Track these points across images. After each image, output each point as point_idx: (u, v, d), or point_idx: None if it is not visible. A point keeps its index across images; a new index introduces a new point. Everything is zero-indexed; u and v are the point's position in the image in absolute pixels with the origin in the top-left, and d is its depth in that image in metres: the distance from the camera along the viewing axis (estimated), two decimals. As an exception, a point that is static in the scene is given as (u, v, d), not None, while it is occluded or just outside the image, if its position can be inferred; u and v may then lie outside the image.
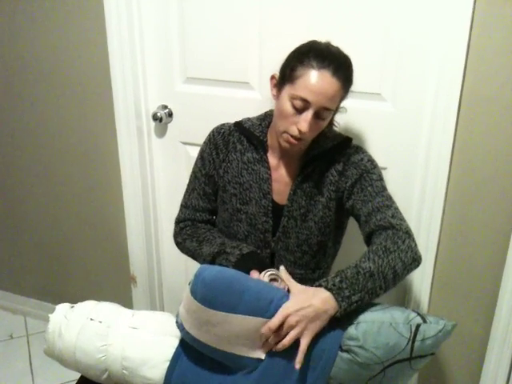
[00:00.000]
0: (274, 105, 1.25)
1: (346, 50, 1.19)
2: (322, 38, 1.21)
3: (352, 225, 1.34)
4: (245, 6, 1.50)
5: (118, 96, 1.71)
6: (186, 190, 1.40)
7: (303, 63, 1.12)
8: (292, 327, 1.01)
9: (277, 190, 1.30)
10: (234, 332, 1.04)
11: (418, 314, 1.05)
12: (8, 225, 2.20)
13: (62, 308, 1.21)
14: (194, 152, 1.65)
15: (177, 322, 1.13)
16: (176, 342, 1.14)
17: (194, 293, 1.05)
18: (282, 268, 1.17)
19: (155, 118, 1.70)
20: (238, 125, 1.32)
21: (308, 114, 1.13)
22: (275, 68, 1.23)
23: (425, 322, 1.03)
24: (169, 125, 1.76)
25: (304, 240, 1.30)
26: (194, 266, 1.28)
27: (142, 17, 1.64)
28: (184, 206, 1.40)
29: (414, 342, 1.01)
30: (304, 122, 1.13)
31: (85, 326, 1.15)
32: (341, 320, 1.06)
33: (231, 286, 1.04)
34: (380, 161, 1.32)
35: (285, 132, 1.18)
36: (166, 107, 1.73)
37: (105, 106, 1.77)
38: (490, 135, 1.37)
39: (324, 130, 1.24)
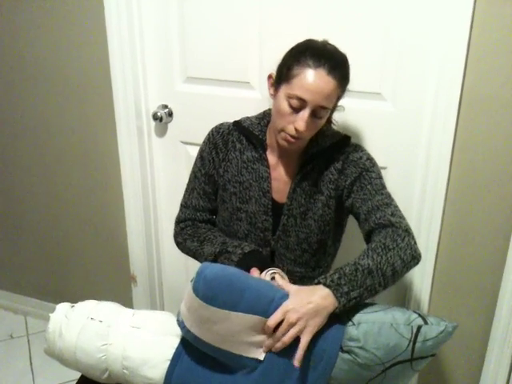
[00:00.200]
0: (272, 105, 1.25)
1: (346, 49, 1.19)
2: (321, 38, 1.20)
3: (352, 224, 1.34)
4: (245, 5, 1.50)
5: (118, 95, 1.72)
6: (186, 189, 1.41)
7: (299, 62, 1.13)
8: (292, 324, 1.01)
9: (276, 189, 1.30)
10: (235, 330, 1.04)
11: (419, 315, 1.05)
12: (8, 224, 2.20)
13: (63, 307, 1.21)
14: (194, 152, 1.65)
15: (178, 320, 1.14)
16: (176, 342, 1.14)
17: (195, 290, 1.05)
18: (277, 276, 1.16)
19: (155, 117, 1.70)
20: (237, 124, 1.32)
21: (305, 113, 1.13)
22: (275, 68, 1.23)
23: (426, 323, 1.03)
24: (169, 124, 1.76)
25: (304, 238, 1.30)
26: (194, 265, 1.28)
27: (142, 16, 1.64)
28: (184, 205, 1.40)
29: (414, 343, 1.01)
30: (301, 120, 1.13)
31: (85, 325, 1.15)
32: (340, 317, 1.06)
33: (233, 284, 1.04)
34: (380, 160, 1.32)
35: (282, 131, 1.18)
36: (166, 107, 1.73)
37: (105, 105, 1.77)
38: (491, 135, 1.37)
39: (322, 128, 1.24)
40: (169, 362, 1.12)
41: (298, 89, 1.12)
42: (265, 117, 1.32)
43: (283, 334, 1.02)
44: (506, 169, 1.39)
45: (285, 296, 1.06)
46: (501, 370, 1.57)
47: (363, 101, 1.48)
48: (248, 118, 1.33)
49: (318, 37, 1.21)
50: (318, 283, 1.06)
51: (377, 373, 1.03)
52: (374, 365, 1.02)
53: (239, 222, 1.33)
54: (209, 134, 1.35)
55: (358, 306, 1.11)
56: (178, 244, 1.40)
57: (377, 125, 1.49)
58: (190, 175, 1.40)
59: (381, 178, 1.26)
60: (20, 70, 1.86)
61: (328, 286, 1.04)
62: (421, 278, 1.58)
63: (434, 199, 1.47)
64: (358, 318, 1.06)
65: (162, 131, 1.79)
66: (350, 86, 1.23)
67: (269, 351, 1.05)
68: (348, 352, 1.03)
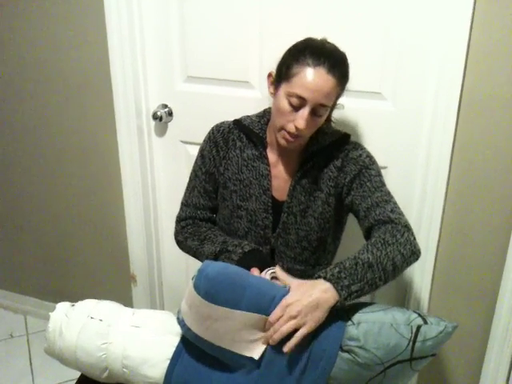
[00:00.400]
0: (272, 103, 1.25)
1: (346, 49, 1.20)
2: (320, 37, 1.21)
3: (351, 222, 1.35)
4: (245, 5, 1.50)
5: (118, 95, 1.72)
6: (187, 188, 1.41)
7: (299, 61, 1.13)
8: (293, 317, 1.01)
9: (276, 187, 1.31)
10: (235, 328, 1.04)
11: (419, 314, 1.06)
12: (8, 224, 2.20)
13: (63, 306, 1.21)
14: (194, 151, 1.65)
15: (178, 319, 1.14)
16: (176, 341, 1.14)
17: (197, 288, 1.05)
18: (277, 268, 1.17)
19: (155, 117, 1.70)
20: (238, 122, 1.33)
21: (305, 111, 1.14)
22: (275, 67, 1.23)
23: (426, 323, 1.03)
24: (169, 124, 1.76)
25: (304, 236, 1.30)
26: (194, 264, 1.28)
27: (142, 15, 1.64)
28: (185, 204, 1.40)
29: (414, 342, 1.02)
30: (301, 119, 1.14)
31: (85, 324, 1.15)
32: (341, 317, 1.06)
33: (234, 282, 1.04)
34: (380, 160, 1.32)
35: (282, 129, 1.19)
36: (166, 106, 1.73)
37: (105, 105, 1.77)
38: (490, 134, 1.37)
39: (322, 126, 1.25)
40: (169, 361, 1.12)
41: (298, 87, 1.12)
42: (265, 115, 1.32)
43: (282, 326, 1.02)
44: (505, 168, 1.39)
45: (286, 294, 1.06)
46: (501, 370, 1.57)
47: (363, 100, 1.48)
48: (248, 116, 1.34)
49: (318, 36, 1.21)
50: (319, 277, 1.06)
51: (376, 372, 1.03)
52: (374, 364, 1.02)
53: (239, 219, 1.33)
54: (209, 133, 1.36)
55: (358, 305, 1.11)
56: (179, 243, 1.40)
57: (377, 124, 1.49)
58: (191, 174, 1.40)
59: (380, 175, 1.26)
60: (20, 70, 1.86)
61: (328, 280, 1.05)
62: (421, 277, 1.58)
63: (434, 199, 1.47)
64: (357, 317, 1.06)
65: (162, 131, 1.79)
66: (350, 85, 1.23)
67: (269, 349, 1.05)
68: (348, 351, 1.03)
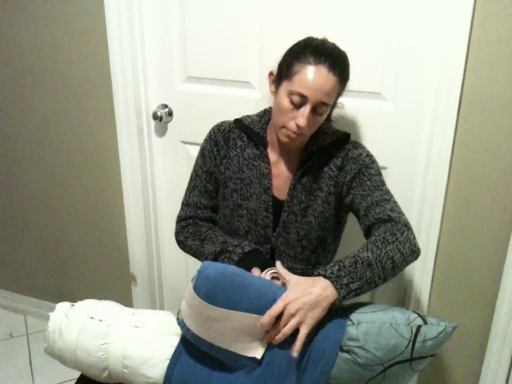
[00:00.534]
0: (272, 103, 1.26)
1: (347, 49, 1.20)
2: (321, 36, 1.21)
3: (352, 221, 1.35)
4: (245, 5, 1.50)
5: (118, 95, 1.72)
6: (187, 188, 1.41)
7: (300, 59, 1.14)
8: (292, 315, 1.01)
9: (277, 186, 1.31)
10: (235, 329, 1.04)
11: (419, 315, 1.06)
12: (8, 224, 2.20)
13: (63, 307, 1.21)
14: (194, 151, 1.66)
15: (178, 319, 1.14)
16: (176, 341, 1.14)
17: (196, 288, 1.05)
18: (278, 263, 1.17)
19: (155, 117, 1.70)
20: (238, 122, 1.33)
21: (306, 109, 1.15)
22: (275, 67, 1.24)
23: (426, 323, 1.03)
24: (169, 124, 1.76)
25: (304, 235, 1.31)
26: (194, 265, 1.28)
27: (142, 15, 1.64)
28: (185, 204, 1.40)
29: (414, 343, 1.02)
30: (302, 117, 1.15)
31: (85, 324, 1.15)
32: (340, 316, 1.06)
33: (234, 282, 1.04)
34: (380, 160, 1.33)
35: (283, 127, 1.19)
36: (166, 106, 1.73)
37: (105, 105, 1.77)
38: (491, 134, 1.37)
39: (322, 126, 1.26)
40: (169, 361, 1.12)
41: (299, 85, 1.13)
42: (265, 114, 1.33)
43: (284, 326, 1.02)
44: (505, 167, 1.39)
45: None
46: (500, 369, 1.57)
47: (363, 100, 1.48)
48: (248, 116, 1.34)
49: (318, 36, 1.21)
50: (318, 275, 1.07)
51: (376, 372, 1.03)
52: (374, 365, 1.02)
53: (240, 218, 1.33)
54: (210, 132, 1.36)
55: (358, 305, 1.11)
56: (179, 242, 1.40)
57: (377, 124, 1.49)
58: (191, 173, 1.40)
59: (380, 174, 1.27)
60: (20, 71, 1.86)
61: (328, 278, 1.05)
62: (421, 277, 1.58)
63: (434, 199, 1.47)
64: (357, 317, 1.06)
65: (162, 131, 1.79)
66: (350, 85, 1.24)
67: (268, 349, 1.05)
68: (348, 352, 1.03)
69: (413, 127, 1.46)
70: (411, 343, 1.02)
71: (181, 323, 1.11)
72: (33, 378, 1.99)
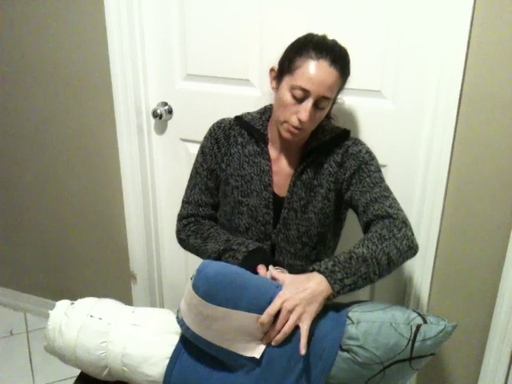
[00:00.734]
0: (273, 100, 1.26)
1: (347, 47, 1.21)
2: (321, 33, 1.22)
3: (352, 219, 1.35)
4: (245, 3, 1.50)
5: (118, 93, 1.71)
6: (188, 185, 1.41)
7: (302, 54, 1.15)
8: (290, 311, 1.02)
9: (277, 183, 1.31)
10: (234, 328, 1.04)
11: (419, 314, 1.06)
12: (9, 222, 2.20)
13: (62, 305, 1.21)
14: (194, 149, 1.66)
15: (177, 318, 1.14)
16: (176, 339, 1.14)
17: (195, 287, 1.05)
18: (270, 267, 1.18)
19: (155, 114, 1.70)
20: (239, 119, 1.34)
21: (308, 104, 1.16)
22: (275, 65, 1.24)
23: (425, 322, 1.03)
24: (169, 122, 1.76)
25: (304, 231, 1.31)
26: (193, 263, 1.28)
27: (142, 13, 1.63)
28: (186, 201, 1.40)
29: (414, 342, 1.02)
30: (304, 111, 1.16)
31: (85, 322, 1.15)
32: (339, 314, 1.06)
33: (233, 282, 1.04)
34: (380, 158, 1.33)
35: (285, 122, 1.20)
36: (165, 104, 1.73)
37: (105, 103, 1.77)
38: (491, 133, 1.37)
39: (322, 122, 1.27)
40: (168, 360, 1.12)
41: (301, 80, 1.14)
42: (266, 111, 1.33)
43: (283, 325, 1.03)
44: (505, 166, 1.39)
45: None
46: (500, 368, 1.57)
47: (363, 99, 1.48)
48: (249, 113, 1.35)
49: (319, 33, 1.22)
50: (313, 270, 1.08)
51: (376, 372, 1.03)
52: (373, 364, 1.02)
53: (240, 215, 1.33)
54: (210, 129, 1.36)
55: (358, 304, 1.11)
56: (181, 241, 1.40)
57: (377, 123, 1.49)
58: (192, 171, 1.40)
59: (380, 171, 1.27)
60: (20, 69, 1.85)
61: (322, 273, 1.07)
62: (420, 276, 1.58)
63: (434, 197, 1.47)
64: (357, 316, 1.06)
65: (161, 129, 1.79)
66: (350, 83, 1.24)
67: (268, 348, 1.05)
68: (347, 351, 1.03)
69: (413, 126, 1.46)
70: (411, 342, 1.02)
71: (180, 322, 1.11)
72: (33, 376, 2.00)
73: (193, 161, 1.40)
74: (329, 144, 1.28)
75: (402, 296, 1.66)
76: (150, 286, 2.01)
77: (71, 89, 1.80)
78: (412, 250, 1.16)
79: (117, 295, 2.04)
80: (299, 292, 1.04)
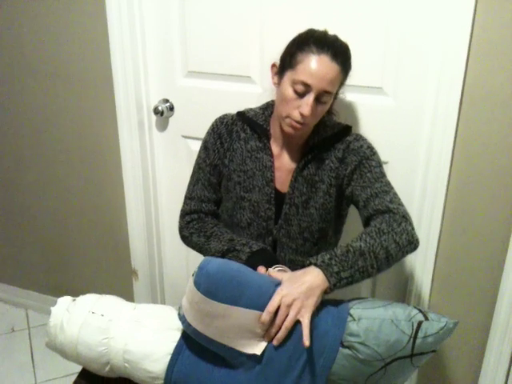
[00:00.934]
0: (275, 95, 1.26)
1: (348, 42, 1.21)
2: (321, 28, 1.22)
3: (353, 215, 1.35)
4: (246, 0, 1.49)
5: (119, 90, 1.71)
6: (190, 181, 1.40)
7: (303, 49, 1.16)
8: (289, 306, 1.03)
9: (279, 178, 1.32)
10: (235, 325, 1.04)
11: (420, 311, 1.06)
12: (10, 218, 2.20)
13: (64, 301, 1.21)
14: (195, 146, 1.65)
15: (179, 315, 1.14)
16: (178, 336, 1.14)
17: (197, 284, 1.05)
18: (270, 270, 1.19)
19: (156, 111, 1.69)
20: (241, 114, 1.34)
21: (309, 98, 1.16)
22: (276, 61, 1.24)
23: (426, 319, 1.03)
24: (170, 119, 1.76)
25: (305, 227, 1.31)
26: (195, 259, 1.28)
27: (143, 10, 1.63)
28: (189, 197, 1.40)
29: (415, 339, 1.02)
30: (306, 105, 1.16)
31: (86, 319, 1.15)
32: (341, 310, 1.07)
33: (234, 279, 1.04)
34: (382, 155, 1.32)
35: (287, 117, 1.20)
36: (167, 101, 1.73)
37: (106, 99, 1.76)
38: (492, 130, 1.37)
39: (324, 118, 1.27)
40: (170, 356, 1.13)
41: (303, 74, 1.14)
42: (268, 107, 1.34)
43: (282, 320, 1.03)
44: (506, 163, 1.39)
45: None
46: (500, 365, 1.58)
47: (364, 95, 1.47)
48: (251, 109, 1.35)
49: (319, 28, 1.22)
50: (310, 264, 1.09)
51: (377, 368, 1.03)
52: (374, 360, 1.02)
53: (242, 211, 1.33)
54: (212, 125, 1.36)
55: (359, 301, 1.11)
56: (184, 238, 1.40)
57: (378, 120, 1.49)
58: (194, 167, 1.40)
59: (381, 166, 1.28)
60: (21, 65, 1.85)
61: (318, 266, 1.07)
62: (421, 273, 1.58)
63: (435, 194, 1.47)
64: (358, 313, 1.06)
65: (162, 125, 1.78)
66: (352, 80, 1.24)
67: (269, 345, 1.05)
68: (348, 347, 1.04)
69: (414, 122, 1.45)
70: (412, 339, 1.02)
71: (182, 318, 1.12)
72: (34, 372, 2.00)
73: (194, 158, 1.40)
74: (330, 140, 1.29)
75: (403, 294, 1.66)
76: (152, 282, 2.02)
77: (72, 85, 1.80)
78: (412, 244, 1.16)
79: (118, 291, 2.04)
80: (297, 286, 1.04)
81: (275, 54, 1.23)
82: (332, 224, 1.35)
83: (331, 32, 1.21)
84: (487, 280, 1.52)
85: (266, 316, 1.03)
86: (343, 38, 1.21)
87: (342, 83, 1.22)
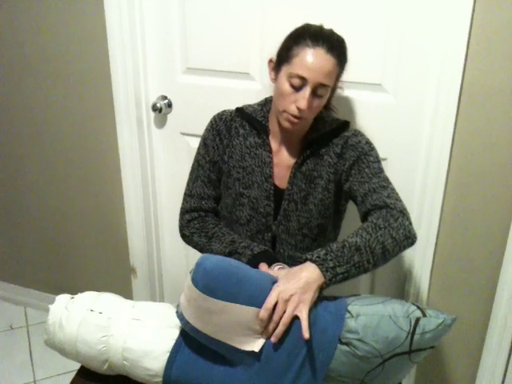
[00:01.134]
0: (273, 91, 1.26)
1: (347, 40, 1.21)
2: (318, 23, 1.22)
3: (352, 211, 1.35)
4: (246, -4, 1.50)
5: (117, 86, 1.71)
6: (189, 179, 1.40)
7: (299, 43, 1.16)
8: (286, 301, 1.03)
9: (278, 174, 1.32)
10: (233, 322, 1.04)
11: (418, 307, 1.06)
12: (9, 216, 2.20)
13: (63, 299, 1.21)
14: (194, 143, 1.65)
15: (177, 312, 1.14)
16: (177, 334, 1.14)
17: (195, 281, 1.05)
18: (264, 265, 1.19)
19: (155, 108, 1.69)
20: (240, 110, 1.34)
21: (306, 92, 1.16)
22: (275, 56, 1.24)
23: (424, 315, 1.03)
24: (168, 115, 1.76)
25: (304, 223, 1.31)
26: (194, 257, 1.28)
27: (142, 6, 1.63)
28: (188, 194, 1.39)
29: (413, 335, 1.02)
30: (302, 99, 1.16)
31: (85, 317, 1.15)
32: (339, 307, 1.07)
33: (232, 275, 1.04)
34: (381, 152, 1.33)
35: (284, 111, 1.21)
36: (165, 98, 1.72)
37: (105, 96, 1.76)
38: (491, 127, 1.37)
39: (322, 114, 1.28)
40: (169, 354, 1.13)
41: (299, 68, 1.15)
42: (266, 103, 1.34)
43: (280, 316, 1.03)
44: (506, 161, 1.39)
45: None
46: (499, 362, 1.58)
47: (364, 92, 1.47)
48: (250, 105, 1.35)
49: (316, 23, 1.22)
50: (306, 259, 1.09)
51: (375, 365, 1.03)
52: (373, 357, 1.02)
53: (242, 207, 1.33)
54: (211, 121, 1.36)
55: (357, 297, 1.11)
56: (184, 237, 1.39)
57: (378, 116, 1.49)
58: (193, 164, 1.39)
59: (379, 161, 1.28)
60: (20, 62, 1.85)
61: (314, 262, 1.07)
62: (420, 270, 1.58)
63: (435, 191, 1.47)
64: (356, 310, 1.06)
65: (161, 122, 1.78)
66: (351, 76, 1.23)
67: (268, 342, 1.05)
68: (347, 344, 1.04)
69: (413, 119, 1.45)
70: (410, 335, 1.02)
71: (180, 316, 1.11)
72: (33, 370, 2.00)
73: (193, 155, 1.40)
74: (329, 135, 1.29)
75: (402, 291, 1.67)
76: (150, 279, 2.02)
77: (71, 82, 1.80)
78: (409, 239, 1.16)
79: (117, 289, 2.05)
80: (293, 282, 1.05)
81: (274, 50, 1.24)
82: (331, 220, 1.35)
83: (332, 27, 1.21)
84: (486, 277, 1.52)
85: (263, 312, 1.03)
86: (342, 33, 1.21)
87: (338, 77, 1.22)
